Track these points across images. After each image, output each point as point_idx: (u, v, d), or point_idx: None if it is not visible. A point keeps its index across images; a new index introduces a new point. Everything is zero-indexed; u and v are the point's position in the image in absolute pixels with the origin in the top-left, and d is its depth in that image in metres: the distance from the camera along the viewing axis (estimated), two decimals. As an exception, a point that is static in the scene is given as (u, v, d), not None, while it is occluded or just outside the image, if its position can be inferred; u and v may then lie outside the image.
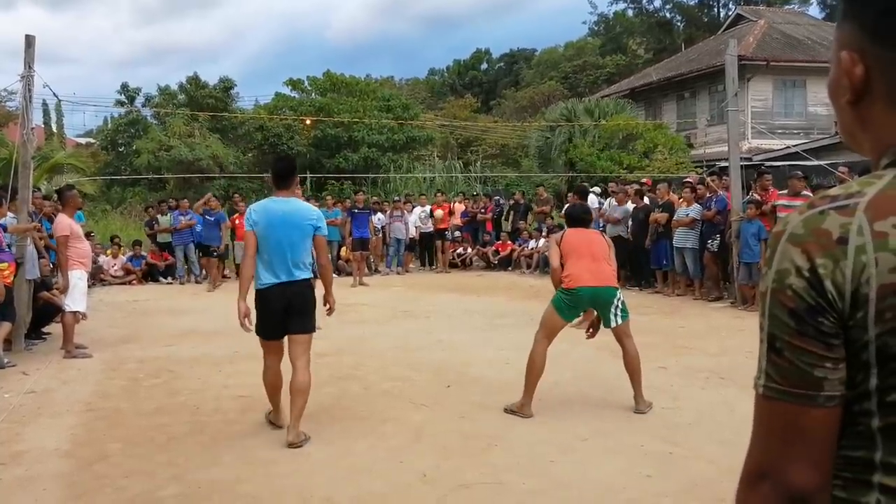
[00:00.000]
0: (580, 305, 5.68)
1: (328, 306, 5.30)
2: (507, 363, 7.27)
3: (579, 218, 6.10)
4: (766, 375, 0.99)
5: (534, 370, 5.51)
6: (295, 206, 5.05)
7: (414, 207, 17.49)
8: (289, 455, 4.73)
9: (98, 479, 4.39)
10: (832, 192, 0.99)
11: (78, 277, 7.99)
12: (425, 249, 17.75)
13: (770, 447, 0.99)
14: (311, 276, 5.10)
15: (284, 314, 4.95)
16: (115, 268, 15.60)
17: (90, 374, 7.12)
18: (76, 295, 7.95)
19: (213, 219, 14.99)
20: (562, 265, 5.61)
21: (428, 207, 17.47)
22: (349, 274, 15.24)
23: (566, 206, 6.51)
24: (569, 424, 5.29)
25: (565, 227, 6.23)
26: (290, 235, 4.92)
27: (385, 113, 27.05)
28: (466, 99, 42.75)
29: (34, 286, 8.56)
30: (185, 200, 16.58)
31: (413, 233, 17.12)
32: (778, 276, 0.98)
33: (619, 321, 5.61)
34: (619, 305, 5.59)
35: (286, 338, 5.05)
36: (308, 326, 5.03)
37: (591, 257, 5.59)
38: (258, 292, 5.01)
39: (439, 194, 18.50)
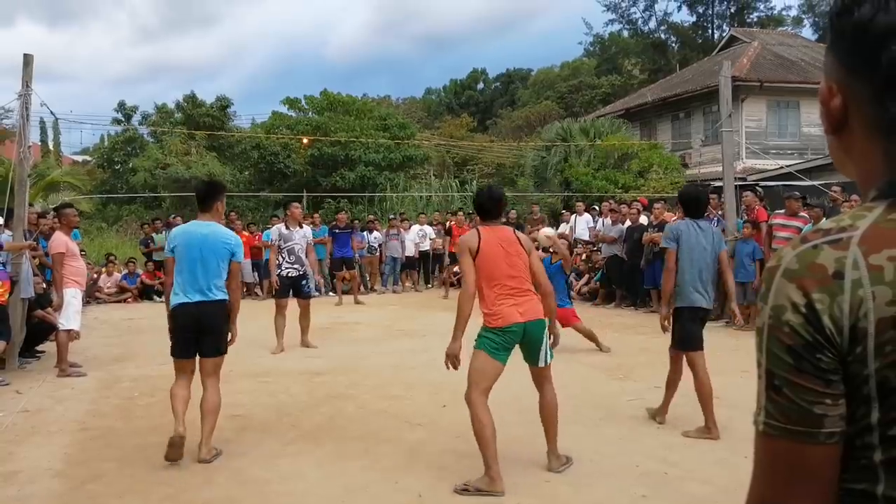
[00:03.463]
0: (513, 343, 4.64)
1: (231, 336, 5.28)
2: (502, 382, 7.25)
3: (487, 209, 4.81)
4: (765, 412, 0.99)
5: (485, 435, 4.48)
6: (213, 229, 5.18)
7: (411, 226, 17.53)
8: (283, 475, 4.72)
9: (91, 498, 4.36)
10: (824, 225, 0.99)
11: (72, 296, 7.99)
12: (422, 268, 17.83)
13: (771, 485, 0.98)
14: (226, 298, 5.18)
15: (197, 333, 5.07)
16: (109, 285, 15.57)
17: (84, 393, 7.09)
18: (70, 313, 7.94)
19: None
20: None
21: (429, 228, 17.56)
22: (346, 293, 15.20)
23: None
24: (564, 444, 5.27)
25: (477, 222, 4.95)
26: (204, 257, 5.06)
27: (382, 132, 27.17)
28: (463, 118, 42.89)
29: (28, 305, 8.54)
30: (179, 218, 16.57)
31: (412, 251, 17.13)
32: (774, 312, 0.97)
33: (549, 359, 4.79)
34: (547, 341, 4.76)
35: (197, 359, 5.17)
36: (219, 349, 5.14)
37: (513, 281, 4.55)
38: (171, 311, 5.13)
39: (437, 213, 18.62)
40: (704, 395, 5.49)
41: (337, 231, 15.27)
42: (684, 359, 5.65)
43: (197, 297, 5.02)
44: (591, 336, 8.84)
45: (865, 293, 0.91)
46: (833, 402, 0.95)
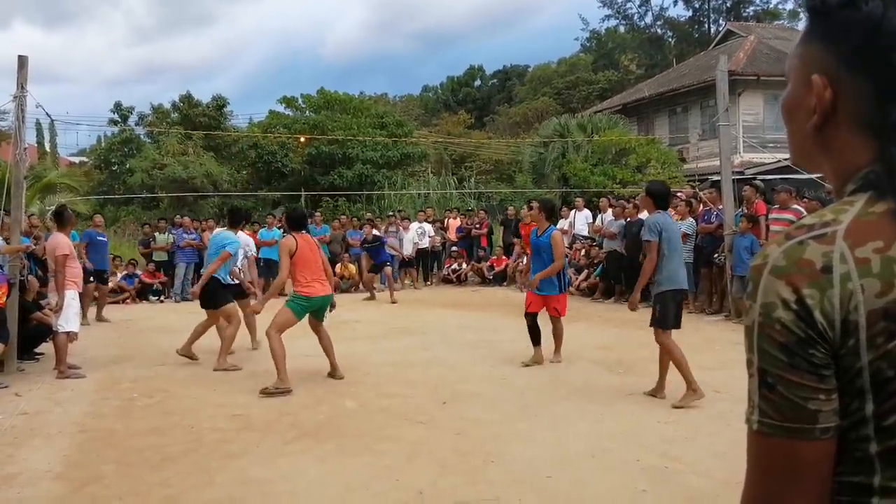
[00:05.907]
0: (312, 307, 7.19)
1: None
2: (503, 379, 7.26)
3: (297, 223, 7.45)
4: (759, 411, 0.98)
5: (279, 355, 6.84)
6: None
7: (410, 224, 17.48)
8: (284, 474, 4.71)
9: (91, 501, 4.35)
10: (806, 221, 0.99)
11: (71, 297, 7.95)
12: (421, 265, 17.80)
13: (767, 483, 0.98)
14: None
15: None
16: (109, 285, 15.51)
17: (83, 395, 7.07)
18: (69, 314, 7.90)
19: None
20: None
21: (428, 226, 17.54)
22: (345, 290, 15.18)
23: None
24: (565, 440, 5.28)
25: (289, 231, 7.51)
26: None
27: (379, 130, 27.14)
28: (460, 115, 42.91)
29: (25, 307, 8.50)
30: (187, 218, 16.56)
31: (410, 250, 17.08)
32: (764, 309, 0.96)
33: (326, 318, 7.43)
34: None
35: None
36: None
37: (320, 269, 7.22)
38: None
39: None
40: (681, 365, 6.26)
41: (367, 246, 15.45)
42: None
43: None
44: (558, 338, 8.09)
45: (854, 286, 0.92)
46: (827, 396, 0.94)
